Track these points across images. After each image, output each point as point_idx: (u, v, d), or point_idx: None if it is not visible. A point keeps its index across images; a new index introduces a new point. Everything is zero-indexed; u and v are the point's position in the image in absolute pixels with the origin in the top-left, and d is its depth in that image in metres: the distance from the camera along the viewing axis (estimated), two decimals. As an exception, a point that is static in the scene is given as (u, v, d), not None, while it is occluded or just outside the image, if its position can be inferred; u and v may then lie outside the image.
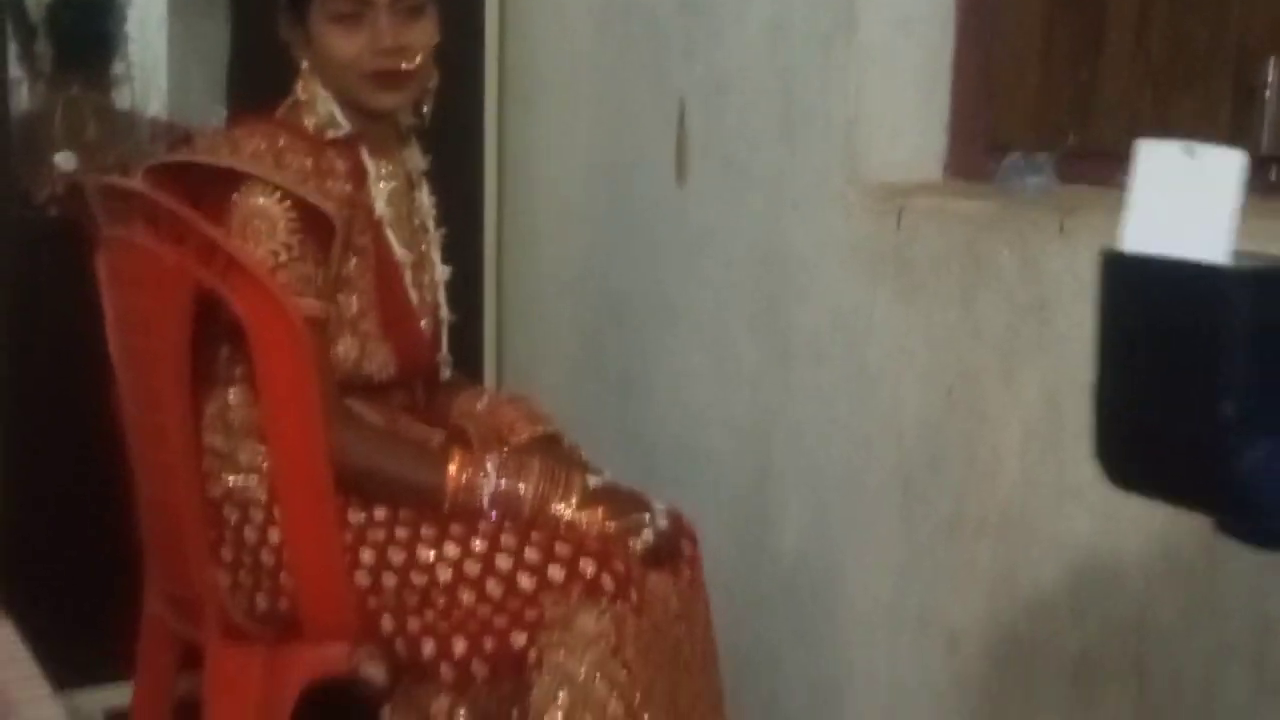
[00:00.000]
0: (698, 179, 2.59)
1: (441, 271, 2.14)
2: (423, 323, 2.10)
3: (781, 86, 2.40)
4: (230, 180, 1.91)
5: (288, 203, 1.90)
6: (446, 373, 2.19)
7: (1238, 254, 0.58)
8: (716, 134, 2.55)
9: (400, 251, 2.05)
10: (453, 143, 2.51)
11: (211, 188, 1.93)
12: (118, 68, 2.88)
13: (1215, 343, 0.56)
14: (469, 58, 2.84)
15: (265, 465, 1.96)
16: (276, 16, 2.04)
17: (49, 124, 2.77)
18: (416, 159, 2.13)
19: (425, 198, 2.13)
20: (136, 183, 1.93)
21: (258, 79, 2.65)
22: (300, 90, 2.01)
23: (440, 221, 2.15)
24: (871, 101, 2.27)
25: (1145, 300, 0.59)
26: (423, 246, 2.12)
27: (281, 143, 1.93)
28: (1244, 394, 0.56)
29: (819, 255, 2.33)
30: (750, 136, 2.47)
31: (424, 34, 1.99)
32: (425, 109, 2.07)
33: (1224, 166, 0.58)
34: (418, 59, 1.98)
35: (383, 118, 2.03)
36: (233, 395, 1.99)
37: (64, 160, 2.71)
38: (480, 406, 2.18)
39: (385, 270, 2.03)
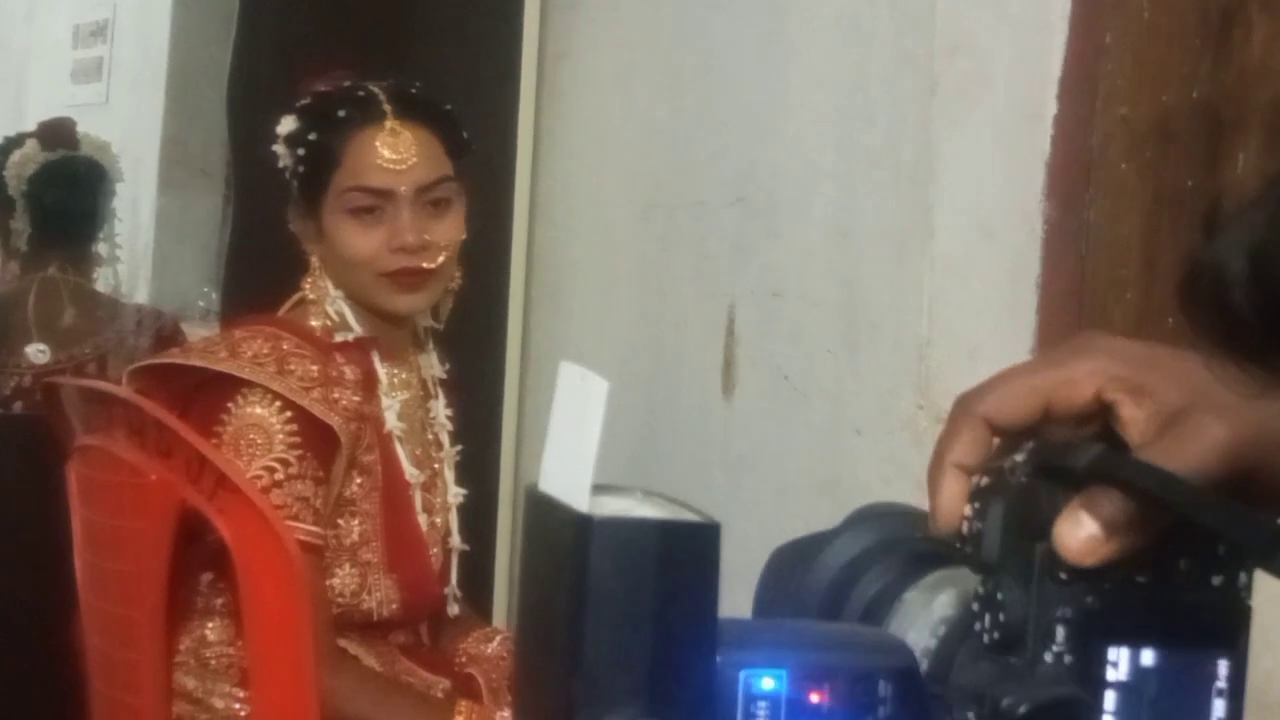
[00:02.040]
0: (747, 392, 2.63)
1: (455, 494, 2.17)
2: (432, 552, 2.12)
3: (845, 295, 2.45)
4: (225, 386, 1.95)
5: (288, 414, 1.94)
6: (455, 609, 2.21)
7: (604, 488, 0.57)
8: (769, 344, 2.60)
9: (411, 471, 2.08)
10: (471, 344, 2.56)
11: (204, 394, 1.97)
12: (101, 248, 2.97)
13: (577, 603, 0.56)
14: (493, 248, 2.91)
15: (243, 713, 1.97)
16: (283, 202, 2.11)
17: (21, 307, 2.84)
18: (433, 365, 2.17)
19: (441, 409, 2.17)
20: (121, 388, 1.98)
21: (257, 265, 2.74)
22: (308, 287, 2.06)
23: (456, 436, 2.19)
24: (947, 315, 2.31)
25: (536, 544, 0.59)
26: (436, 465, 2.15)
27: (285, 346, 1.97)
28: (595, 667, 0.56)
29: (885, 487, 2.35)
30: (808, 349, 2.52)
31: (449, 230, 2.05)
32: (444, 312, 2.13)
33: (593, 392, 0.58)
34: (440, 258, 2.03)
35: (398, 321, 2.08)
36: (211, 630, 2.00)
37: (35, 353, 2.78)
38: (491, 649, 2.19)
39: (393, 492, 2.05)
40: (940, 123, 2.31)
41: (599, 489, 0.57)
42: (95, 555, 2.02)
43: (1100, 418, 0.63)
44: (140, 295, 3.17)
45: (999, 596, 0.60)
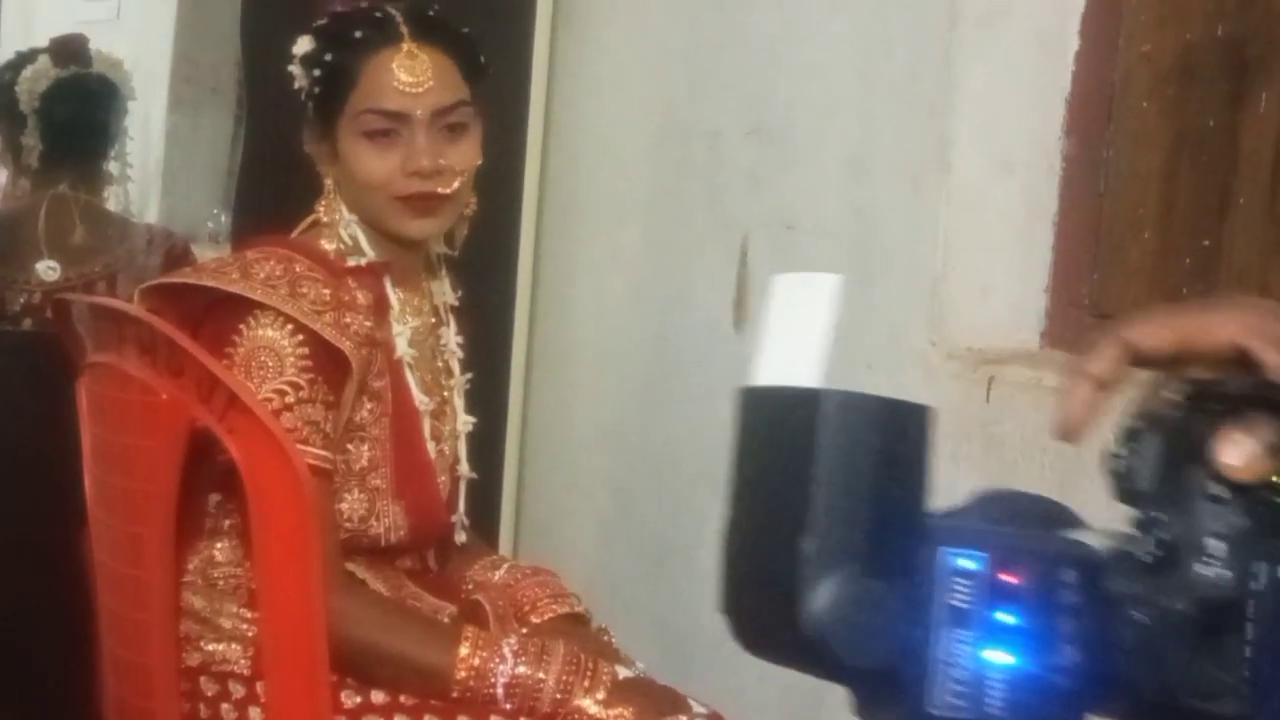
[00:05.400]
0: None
1: (464, 422, 2.18)
2: (440, 480, 2.13)
3: (860, 228, 2.46)
4: (237, 308, 1.96)
5: (300, 337, 1.95)
6: (462, 536, 2.22)
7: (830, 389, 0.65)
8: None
9: (421, 398, 2.09)
10: (482, 271, 2.57)
11: (215, 315, 1.98)
12: (112, 166, 2.97)
13: (805, 470, 0.63)
14: (506, 174, 2.91)
15: (250, 633, 1.99)
16: (297, 123, 2.11)
17: (31, 224, 2.86)
18: (446, 292, 2.18)
19: (452, 336, 2.18)
20: (133, 306, 1.99)
21: (269, 186, 2.74)
22: (322, 210, 2.06)
23: (466, 364, 2.20)
24: (962, 251, 2.32)
25: (757, 432, 0.67)
26: (445, 392, 2.16)
27: (298, 269, 1.98)
28: (824, 527, 0.63)
29: (894, 423, 2.36)
30: (821, 282, 2.52)
31: (465, 155, 2.05)
32: (458, 238, 2.13)
33: (819, 289, 0.67)
34: (456, 183, 2.04)
35: (412, 246, 2.09)
36: (219, 550, 2.02)
37: (46, 269, 2.79)
38: (497, 577, 2.21)
39: (403, 418, 2.07)
40: (960, 55, 2.30)
41: None
42: (105, 473, 2.04)
43: (1235, 365, 0.69)
44: (150, 215, 3.18)
45: (1155, 517, 0.67)
